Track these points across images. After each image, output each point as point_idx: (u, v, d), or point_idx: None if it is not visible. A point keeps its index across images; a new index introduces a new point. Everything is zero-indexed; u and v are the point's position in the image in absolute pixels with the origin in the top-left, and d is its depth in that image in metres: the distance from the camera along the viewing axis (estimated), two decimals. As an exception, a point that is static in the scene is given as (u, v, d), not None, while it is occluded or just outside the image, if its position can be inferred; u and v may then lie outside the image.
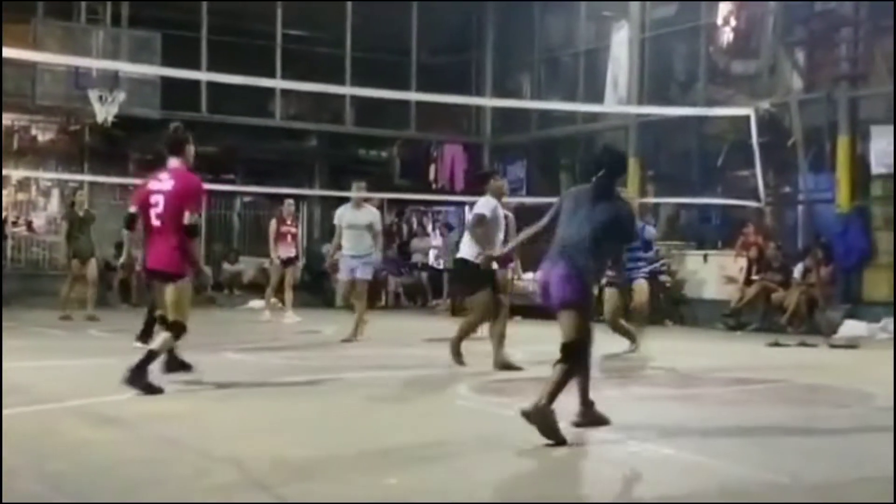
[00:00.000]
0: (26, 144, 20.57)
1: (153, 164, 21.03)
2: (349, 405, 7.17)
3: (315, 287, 20.66)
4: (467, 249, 9.42)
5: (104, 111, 18.72)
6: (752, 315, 15.63)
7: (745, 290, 15.80)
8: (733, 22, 18.01)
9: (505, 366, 9.10)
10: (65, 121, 20.52)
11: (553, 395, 5.66)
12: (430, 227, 24.26)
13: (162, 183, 7.36)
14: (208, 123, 21.37)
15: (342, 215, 12.47)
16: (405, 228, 24.12)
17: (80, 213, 15.37)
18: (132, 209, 7.70)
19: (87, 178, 19.90)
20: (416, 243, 23.26)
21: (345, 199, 13.28)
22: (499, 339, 9.25)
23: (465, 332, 9.53)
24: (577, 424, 6.00)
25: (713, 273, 17.00)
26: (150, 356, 7.24)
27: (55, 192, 21.00)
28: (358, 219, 12.33)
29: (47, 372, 8.44)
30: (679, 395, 7.97)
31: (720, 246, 17.75)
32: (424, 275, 22.38)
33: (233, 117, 21.33)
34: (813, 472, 5.06)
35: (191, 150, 7.68)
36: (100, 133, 19.87)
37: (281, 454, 5.22)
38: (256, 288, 20.77)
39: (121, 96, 18.84)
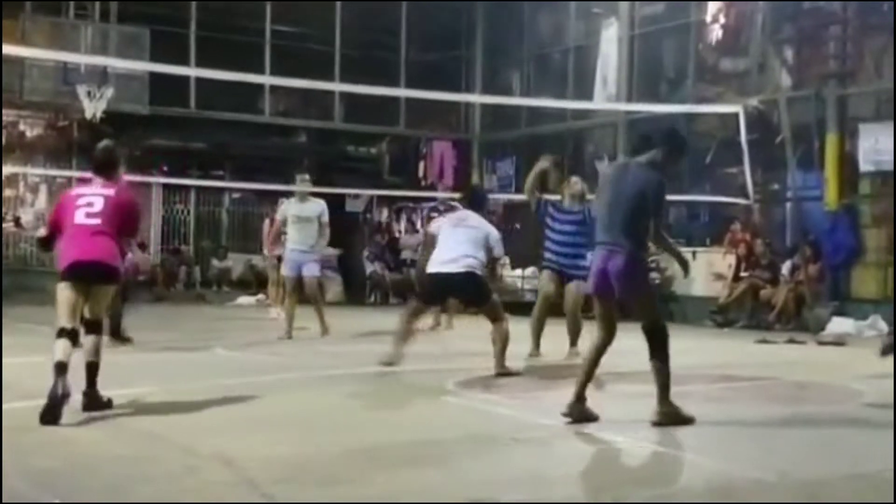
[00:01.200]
0: (14, 140, 20.49)
1: (141, 160, 21.12)
2: (337, 402, 7.16)
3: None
4: (474, 262, 8.84)
5: (93, 107, 18.67)
6: (740, 312, 15.66)
7: (734, 287, 15.83)
8: (722, 19, 18.05)
9: (506, 371, 8.80)
10: (53, 116, 20.47)
11: (667, 387, 5.95)
12: (418, 224, 24.23)
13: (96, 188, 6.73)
14: (197, 119, 21.37)
15: (287, 209, 12.20)
16: (395, 226, 24.09)
17: None
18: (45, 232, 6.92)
19: (76, 173, 19.81)
20: (405, 240, 23.23)
21: (338, 196, 13.18)
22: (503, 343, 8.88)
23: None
24: (567, 415, 6.02)
25: (701, 270, 17.01)
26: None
27: (43, 188, 20.93)
28: (304, 211, 11.95)
29: (34, 368, 8.39)
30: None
31: (708, 243, 17.77)
32: (413, 271, 22.32)
33: (222, 113, 21.29)
34: (801, 470, 5.07)
35: (121, 171, 7.13)
36: (88, 129, 19.79)
37: (269, 452, 5.22)
38: (245, 284, 20.77)
39: (109, 92, 18.79)
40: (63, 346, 6.16)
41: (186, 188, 21.88)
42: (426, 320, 13.96)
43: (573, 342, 10.09)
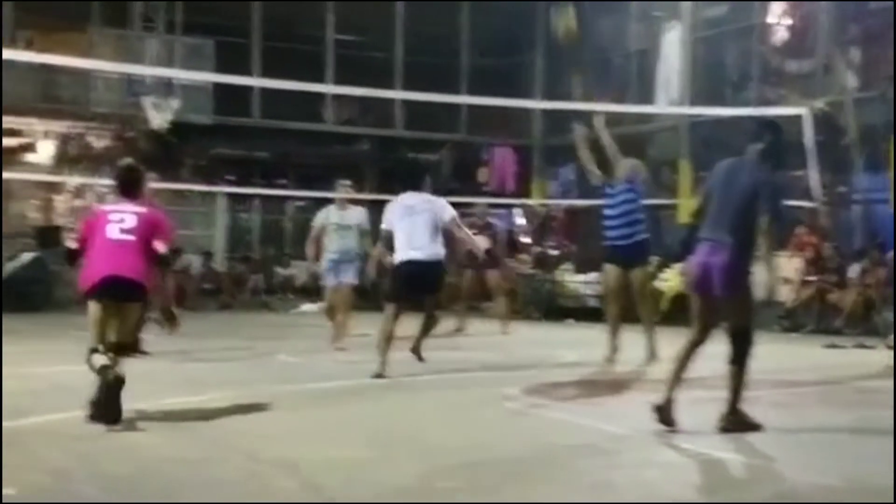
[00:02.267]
0: (82, 151, 20.85)
1: (205, 170, 21.42)
2: (398, 407, 7.19)
3: (367, 290, 20.70)
4: (440, 250, 9.06)
5: (158, 118, 18.95)
6: (808, 317, 15.44)
7: (801, 291, 15.62)
8: (787, 21, 17.84)
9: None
10: (120, 128, 20.78)
11: (739, 394, 5.90)
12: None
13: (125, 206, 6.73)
14: (260, 129, 21.59)
15: (326, 217, 11.71)
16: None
17: None
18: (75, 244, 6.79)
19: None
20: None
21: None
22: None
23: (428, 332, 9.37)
24: (660, 416, 5.97)
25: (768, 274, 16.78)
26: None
27: (110, 199, 21.24)
28: (345, 219, 11.58)
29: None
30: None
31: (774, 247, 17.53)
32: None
33: (285, 122, 21.48)
34: (868, 475, 4.99)
35: (146, 188, 7.15)
36: (154, 139, 20.09)
37: (332, 457, 5.25)
38: (308, 292, 20.90)
39: (175, 103, 19.06)
40: (99, 356, 6.25)
41: (250, 197, 22.12)
42: (449, 323, 13.98)
43: (651, 340, 10.01)
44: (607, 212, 10.20)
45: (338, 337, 11.35)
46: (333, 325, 11.58)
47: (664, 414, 5.98)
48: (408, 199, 9.22)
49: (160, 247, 6.60)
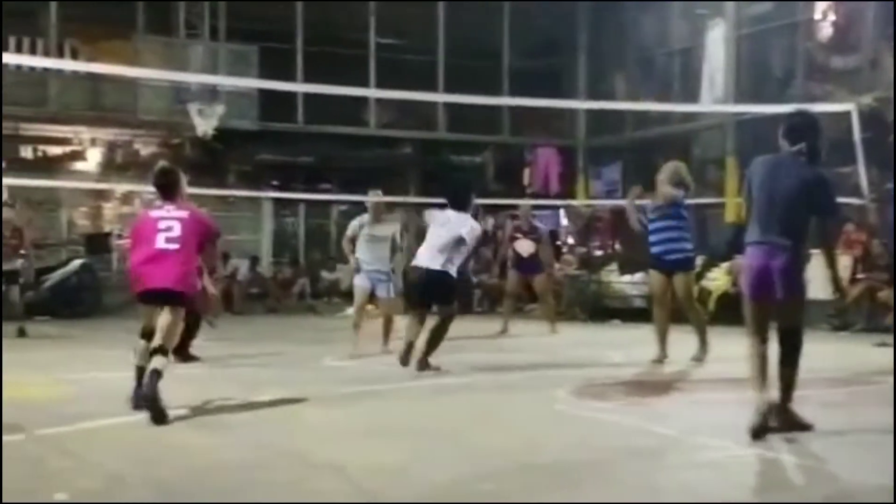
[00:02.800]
0: (129, 159, 21.07)
1: (251, 175, 21.55)
2: (445, 409, 7.19)
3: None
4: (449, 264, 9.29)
5: (204, 124, 19.10)
6: (858, 315, 15.26)
7: (851, 289, 15.43)
8: (832, 16, 17.66)
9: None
10: (166, 134, 20.98)
11: (790, 394, 5.83)
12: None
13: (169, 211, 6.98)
14: (304, 133, 21.71)
15: (360, 226, 11.26)
16: (499, 234, 24.06)
17: None
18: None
19: (189, 190, 20.30)
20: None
21: (441, 205, 12.98)
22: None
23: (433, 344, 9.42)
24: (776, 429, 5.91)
25: (817, 272, 16.62)
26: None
27: (156, 203, 21.44)
28: (378, 230, 11.21)
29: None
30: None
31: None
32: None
33: (328, 127, 21.58)
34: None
35: (184, 190, 7.29)
36: (200, 146, 20.26)
37: (381, 461, 5.26)
38: (353, 295, 20.95)
39: (220, 109, 19.20)
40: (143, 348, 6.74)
41: (295, 202, 22.25)
42: (498, 326, 13.97)
43: (702, 341, 10.02)
44: (650, 226, 10.26)
45: (385, 340, 11.24)
46: (357, 334, 11.18)
47: (782, 422, 5.88)
48: (450, 214, 9.50)
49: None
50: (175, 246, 6.79)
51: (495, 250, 23.03)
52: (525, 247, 14.05)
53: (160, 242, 6.79)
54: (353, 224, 11.43)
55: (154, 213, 7.03)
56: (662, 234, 10.12)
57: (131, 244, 7.07)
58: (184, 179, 7.30)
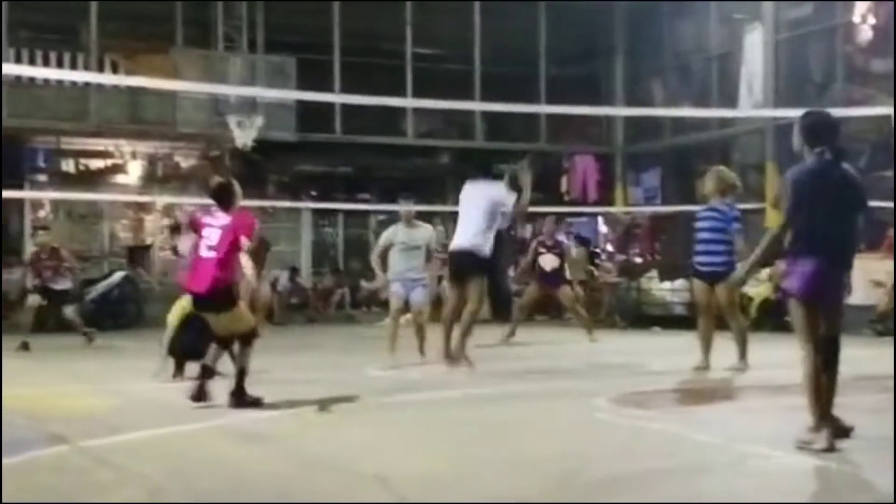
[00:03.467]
0: (169, 171, 21.25)
1: (290, 186, 21.64)
2: (486, 418, 7.18)
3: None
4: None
5: (243, 136, 19.22)
6: (901, 320, 15.07)
7: (893, 294, 15.26)
8: (871, 19, 17.50)
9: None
10: (206, 147, 21.12)
11: (832, 399, 5.77)
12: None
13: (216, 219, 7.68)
14: (343, 144, 21.78)
15: (393, 235, 11.23)
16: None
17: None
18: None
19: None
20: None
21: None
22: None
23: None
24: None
25: (859, 277, 16.44)
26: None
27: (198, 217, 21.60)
28: (412, 238, 11.10)
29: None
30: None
31: (864, 249, 17.18)
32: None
33: (366, 137, 21.65)
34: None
35: (238, 201, 7.83)
36: (239, 157, 20.39)
37: (424, 469, 5.26)
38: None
39: (258, 121, 19.32)
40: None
41: (334, 212, 22.34)
42: (502, 332, 13.92)
43: (742, 353, 9.97)
44: (696, 235, 10.28)
45: (421, 349, 11.21)
46: (392, 345, 11.13)
47: (826, 442, 5.73)
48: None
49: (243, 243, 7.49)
50: (213, 254, 7.39)
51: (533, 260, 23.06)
52: (549, 261, 14.05)
53: (202, 251, 7.46)
54: (387, 234, 11.43)
55: (205, 220, 7.69)
56: (702, 245, 10.11)
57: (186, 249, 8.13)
58: (238, 191, 7.82)
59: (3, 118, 18.43)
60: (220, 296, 7.37)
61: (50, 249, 13.94)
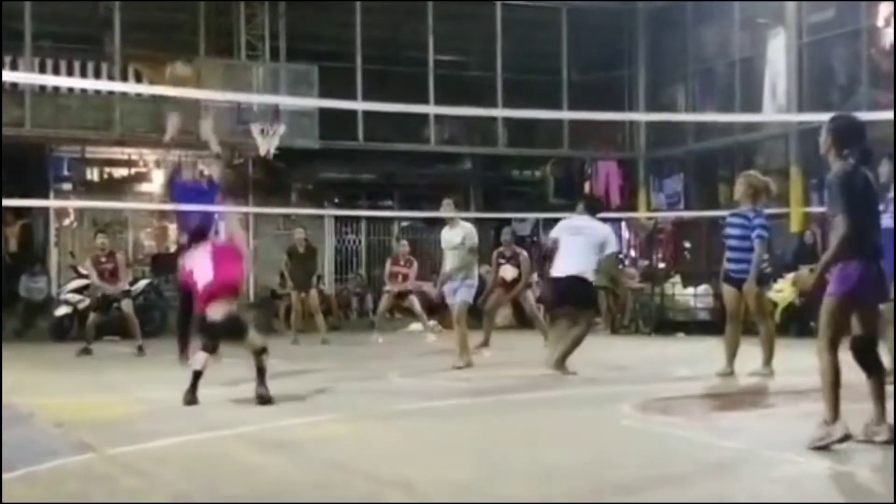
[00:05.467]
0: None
1: (313, 193, 21.64)
2: (512, 426, 7.17)
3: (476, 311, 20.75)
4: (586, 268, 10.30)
5: (266, 144, 19.29)
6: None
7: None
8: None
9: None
10: (229, 155, 21.18)
11: (884, 403, 5.80)
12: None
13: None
14: (365, 151, 21.82)
15: (441, 237, 11.82)
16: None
17: (301, 250, 16.54)
18: None
19: (252, 209, 20.52)
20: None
21: (504, 221, 12.99)
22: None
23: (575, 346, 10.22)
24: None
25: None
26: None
27: (221, 225, 21.64)
28: (451, 237, 11.50)
29: (221, 398, 8.68)
30: (856, 409, 7.71)
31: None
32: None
33: (388, 144, 21.69)
34: None
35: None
36: (262, 165, 20.46)
37: (447, 476, 5.26)
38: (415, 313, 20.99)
39: (281, 129, 19.38)
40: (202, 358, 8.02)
41: (357, 219, 22.38)
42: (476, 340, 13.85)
43: (768, 359, 9.93)
44: (726, 242, 10.26)
45: (463, 355, 11.16)
46: (463, 346, 11.24)
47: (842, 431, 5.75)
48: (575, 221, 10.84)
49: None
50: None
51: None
52: (508, 271, 14.03)
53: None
54: (443, 238, 11.82)
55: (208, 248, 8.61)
56: (732, 252, 10.09)
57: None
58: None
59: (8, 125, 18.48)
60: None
61: (108, 253, 14.71)
